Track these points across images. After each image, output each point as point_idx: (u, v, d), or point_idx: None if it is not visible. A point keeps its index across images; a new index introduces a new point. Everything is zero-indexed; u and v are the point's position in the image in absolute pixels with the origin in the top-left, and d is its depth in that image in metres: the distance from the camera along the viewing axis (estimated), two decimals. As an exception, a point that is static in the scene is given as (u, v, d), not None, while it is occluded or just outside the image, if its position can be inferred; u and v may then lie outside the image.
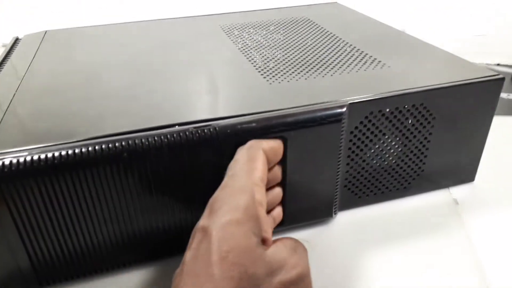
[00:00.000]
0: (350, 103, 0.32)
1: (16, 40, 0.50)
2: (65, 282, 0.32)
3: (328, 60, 0.40)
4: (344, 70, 0.38)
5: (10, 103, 0.33)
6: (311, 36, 0.47)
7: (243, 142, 0.30)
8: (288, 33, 0.48)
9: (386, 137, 0.35)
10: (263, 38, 0.47)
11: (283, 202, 0.33)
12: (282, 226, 0.35)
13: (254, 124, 0.30)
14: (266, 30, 0.49)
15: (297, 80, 0.36)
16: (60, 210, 0.28)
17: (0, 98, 0.34)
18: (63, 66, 0.41)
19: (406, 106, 0.34)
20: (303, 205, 0.35)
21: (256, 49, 0.43)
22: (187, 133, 0.29)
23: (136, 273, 0.32)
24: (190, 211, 0.31)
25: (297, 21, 0.53)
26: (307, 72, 0.37)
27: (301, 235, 0.35)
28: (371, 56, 0.41)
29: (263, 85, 0.35)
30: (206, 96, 0.34)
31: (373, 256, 0.34)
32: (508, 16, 0.72)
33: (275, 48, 0.43)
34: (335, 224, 0.37)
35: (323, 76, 0.37)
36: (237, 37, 0.47)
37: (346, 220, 0.37)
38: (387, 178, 0.37)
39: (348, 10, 0.58)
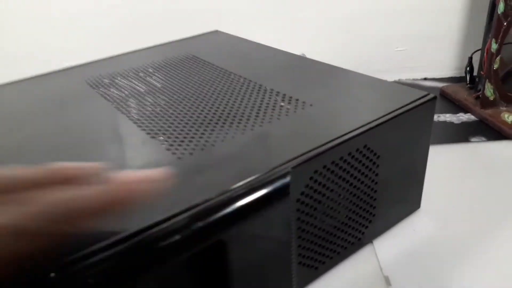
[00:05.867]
0: (292, 168, 0.25)
1: None
2: None
3: (238, 108, 0.33)
4: (263, 119, 0.31)
5: None
6: (205, 79, 0.39)
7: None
8: (179, 80, 0.40)
9: (334, 192, 0.29)
10: (149, 93, 0.37)
11: None
12: None
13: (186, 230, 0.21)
14: (148, 80, 0.40)
15: (213, 144, 0.28)
16: None
17: None
18: None
19: (350, 153, 0.28)
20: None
21: (145, 110, 0.34)
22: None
23: None
24: None
25: (182, 60, 0.44)
26: (220, 130, 0.30)
27: None
28: (285, 94, 0.34)
29: (172, 162, 0.27)
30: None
31: None
32: (424, 28, 0.65)
33: (168, 104, 0.35)
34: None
35: (242, 133, 0.29)
36: (115, 97, 0.37)
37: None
38: (341, 235, 0.31)
39: (233, 38, 0.52)
